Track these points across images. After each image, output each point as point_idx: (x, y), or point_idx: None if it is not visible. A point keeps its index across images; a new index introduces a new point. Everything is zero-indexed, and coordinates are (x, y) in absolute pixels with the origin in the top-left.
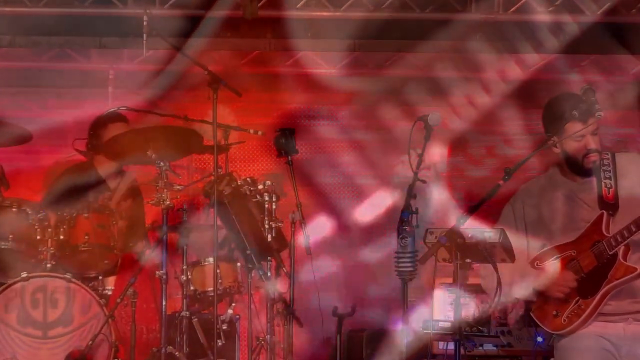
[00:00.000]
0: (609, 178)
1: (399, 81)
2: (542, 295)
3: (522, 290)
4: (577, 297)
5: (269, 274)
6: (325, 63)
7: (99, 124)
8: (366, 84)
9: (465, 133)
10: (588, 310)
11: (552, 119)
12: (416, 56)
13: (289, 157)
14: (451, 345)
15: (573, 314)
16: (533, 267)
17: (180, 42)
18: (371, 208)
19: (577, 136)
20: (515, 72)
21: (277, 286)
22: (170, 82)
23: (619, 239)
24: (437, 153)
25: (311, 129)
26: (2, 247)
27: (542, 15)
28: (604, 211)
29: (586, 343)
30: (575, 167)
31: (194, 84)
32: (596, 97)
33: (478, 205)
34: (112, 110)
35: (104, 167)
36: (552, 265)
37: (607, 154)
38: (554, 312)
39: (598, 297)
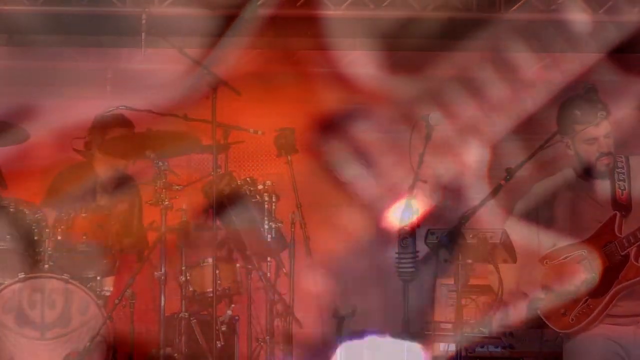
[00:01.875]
0: (623, 180)
1: (404, 80)
2: (551, 290)
3: (529, 285)
4: (587, 297)
5: (268, 274)
6: (326, 62)
7: (101, 126)
8: (370, 83)
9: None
10: (597, 310)
11: (562, 121)
12: (416, 54)
13: (289, 157)
14: (452, 347)
15: (581, 313)
16: (543, 266)
17: (179, 41)
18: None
19: (588, 139)
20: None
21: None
22: (170, 81)
23: (632, 240)
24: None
25: (312, 127)
26: (0, 247)
27: (544, 14)
28: (616, 212)
29: (596, 346)
30: (588, 169)
31: (193, 83)
32: (599, 96)
33: (480, 205)
34: (115, 112)
35: (103, 168)
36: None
37: (622, 156)
38: (562, 311)
39: (608, 297)
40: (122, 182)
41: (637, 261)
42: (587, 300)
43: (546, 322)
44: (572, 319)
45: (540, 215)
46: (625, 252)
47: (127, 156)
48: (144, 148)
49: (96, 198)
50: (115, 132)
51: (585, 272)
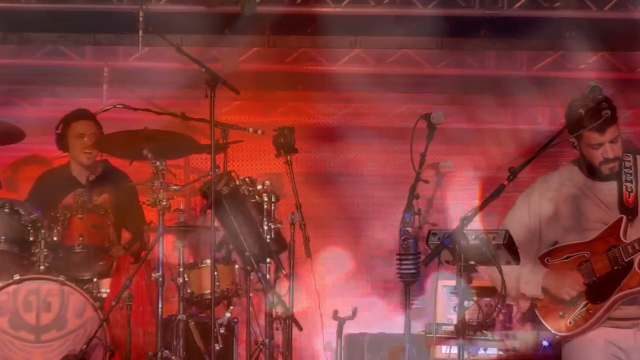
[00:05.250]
0: (630, 181)
1: (401, 79)
2: (549, 294)
3: (529, 286)
4: (586, 301)
5: (267, 276)
6: (325, 60)
7: (63, 121)
8: (372, 81)
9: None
10: (596, 316)
11: (569, 120)
12: (419, 53)
13: (288, 157)
14: (454, 350)
15: (580, 318)
16: (543, 263)
17: (177, 39)
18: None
19: (594, 144)
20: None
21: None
22: (167, 80)
23: (637, 247)
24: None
25: (312, 127)
26: None
27: (548, 12)
28: (623, 216)
29: (596, 349)
30: (593, 172)
31: (192, 82)
32: (603, 94)
33: (482, 206)
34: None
35: (76, 166)
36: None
37: (629, 156)
38: (560, 313)
39: (608, 303)
40: (104, 179)
41: None
42: (586, 304)
43: (543, 321)
44: (570, 322)
45: (542, 209)
46: (630, 258)
47: (122, 152)
48: (140, 146)
49: (75, 198)
50: (73, 127)
51: (584, 278)
